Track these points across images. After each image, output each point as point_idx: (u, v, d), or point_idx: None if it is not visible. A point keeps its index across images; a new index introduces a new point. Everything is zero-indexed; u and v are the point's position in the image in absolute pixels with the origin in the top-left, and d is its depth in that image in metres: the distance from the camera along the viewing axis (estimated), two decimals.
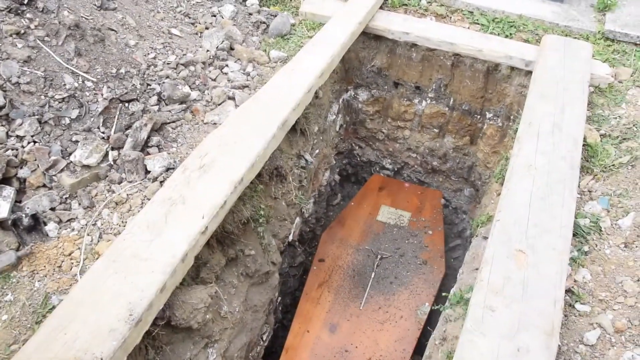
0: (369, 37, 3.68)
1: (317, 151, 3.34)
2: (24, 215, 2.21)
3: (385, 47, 3.74)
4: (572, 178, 2.37)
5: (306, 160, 3.04)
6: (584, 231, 2.24)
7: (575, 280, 2.07)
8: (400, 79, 3.86)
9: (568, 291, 2.02)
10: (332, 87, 3.60)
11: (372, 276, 3.60)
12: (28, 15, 2.64)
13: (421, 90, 3.87)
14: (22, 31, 2.57)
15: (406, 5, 3.91)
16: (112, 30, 2.85)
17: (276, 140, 2.48)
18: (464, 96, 3.77)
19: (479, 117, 3.83)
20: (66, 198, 2.33)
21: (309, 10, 3.65)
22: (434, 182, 4.30)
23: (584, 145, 2.67)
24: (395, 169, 4.36)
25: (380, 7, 3.79)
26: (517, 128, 2.88)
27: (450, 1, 3.91)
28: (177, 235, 1.99)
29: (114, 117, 2.56)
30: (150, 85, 2.75)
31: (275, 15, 3.57)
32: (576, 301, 2.01)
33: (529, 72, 3.36)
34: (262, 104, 2.62)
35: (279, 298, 3.22)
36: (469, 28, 3.74)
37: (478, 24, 3.80)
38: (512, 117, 3.61)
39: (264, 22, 3.50)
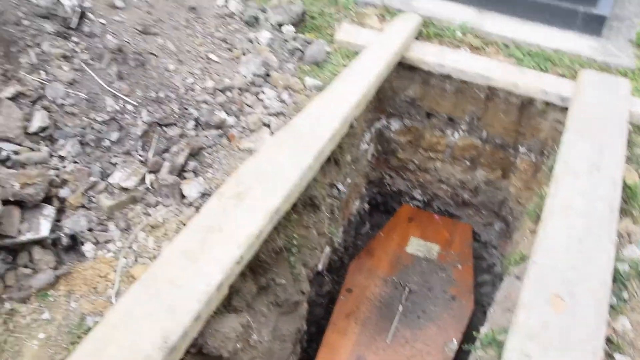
0: (403, 67, 3.70)
1: (349, 180, 3.34)
2: (63, 235, 2.25)
3: (419, 78, 3.75)
4: (610, 221, 2.33)
5: (339, 189, 3.05)
6: (622, 277, 2.20)
7: (614, 329, 2.03)
8: (433, 109, 3.86)
9: (607, 340, 1.97)
10: (365, 115, 3.61)
11: (400, 309, 3.57)
12: (74, 38, 2.71)
13: (454, 121, 3.87)
14: (69, 54, 2.64)
15: (441, 36, 3.91)
16: (153, 54, 2.90)
17: (312, 171, 2.49)
18: (497, 129, 3.75)
19: (512, 151, 3.80)
20: (104, 219, 2.36)
21: (345, 39, 3.68)
22: (464, 215, 4.27)
23: (623, 186, 2.63)
24: (425, 200, 4.34)
25: (415, 38, 3.81)
26: (551, 165, 2.85)
27: (485, 33, 3.91)
28: (213, 263, 2.00)
29: (153, 140, 2.60)
30: (187, 109, 2.79)
31: (311, 43, 3.60)
32: (615, 351, 1.96)
33: (565, 108, 3.33)
34: (297, 133, 2.64)
35: (306, 327, 3.21)
36: (504, 61, 3.73)
37: (513, 57, 3.78)
38: (546, 153, 3.58)
39: (300, 49, 3.54)
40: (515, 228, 3.63)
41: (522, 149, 3.75)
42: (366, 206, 4.19)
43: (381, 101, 3.85)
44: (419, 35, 3.87)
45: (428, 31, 3.88)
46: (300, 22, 3.81)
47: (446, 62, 3.59)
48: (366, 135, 3.74)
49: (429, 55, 3.63)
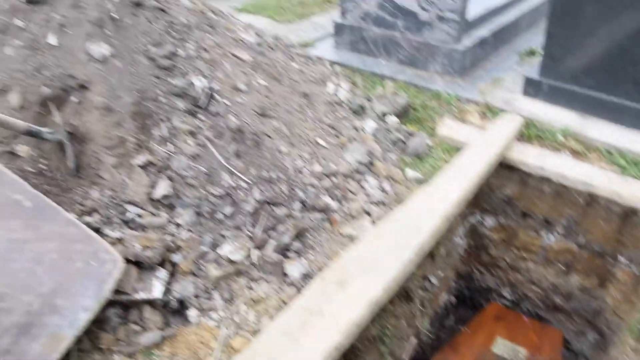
0: (502, 166, 3.73)
1: (440, 273, 3.36)
2: (172, 298, 2.40)
3: (517, 177, 3.76)
4: None
5: (431, 282, 3.07)
6: None
7: None
8: (529, 210, 3.84)
9: None
10: (461, 210, 3.65)
11: None
12: (201, 116, 2.97)
13: (550, 224, 3.82)
14: (195, 131, 2.89)
15: (542, 138, 3.94)
16: (268, 136, 3.12)
17: (412, 265, 2.55)
18: (596, 236, 3.67)
19: (611, 259, 3.68)
20: (209, 288, 2.50)
21: (446, 134, 3.79)
22: (555, 319, 4.12)
23: None
24: (514, 300, 4.24)
25: (516, 138, 3.86)
26: None
27: (588, 139, 3.89)
28: (313, 347, 2.06)
29: (261, 218, 2.76)
30: (295, 191, 2.95)
31: (413, 135, 3.73)
32: None
33: None
34: (399, 226, 2.72)
35: None
36: (606, 168, 3.69)
37: (616, 164, 3.73)
38: None
39: (402, 140, 3.67)
40: (613, 342, 3.47)
41: (622, 259, 3.63)
42: (453, 299, 4.14)
43: (477, 197, 3.88)
44: (520, 136, 3.91)
45: (529, 132, 3.92)
46: (403, 114, 3.98)
47: (547, 165, 3.60)
48: (460, 229, 3.76)
49: (530, 157, 3.66)
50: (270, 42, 3.95)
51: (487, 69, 4.72)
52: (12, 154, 2.89)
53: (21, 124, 2.66)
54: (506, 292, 4.25)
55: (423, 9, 4.45)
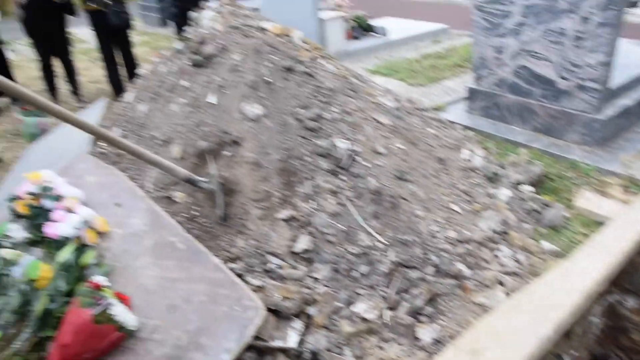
0: None
1: (573, 353, 3.20)
2: (306, 350, 2.52)
3: None
4: None
5: None
6: None
7: None
8: None
9: None
10: (603, 288, 3.48)
11: None
12: (342, 177, 3.14)
13: None
14: (336, 190, 3.07)
15: None
16: (404, 199, 3.22)
17: (550, 342, 2.48)
18: None
19: None
20: (341, 343, 2.59)
21: (585, 207, 3.67)
22: None
23: None
24: None
25: None
26: None
27: None
28: None
29: (395, 279, 2.83)
30: (428, 255, 3.00)
31: (548, 206, 3.66)
32: None
33: None
34: (535, 299, 2.67)
35: None
36: None
37: None
38: None
39: (537, 211, 3.61)
40: None
41: None
42: None
43: (618, 275, 3.68)
44: None
45: None
46: (538, 183, 3.92)
47: None
48: (596, 307, 3.57)
49: None
50: (407, 106, 4.10)
51: (631, 140, 4.54)
52: (170, 199, 3.24)
53: (183, 172, 2.98)
54: None
55: (562, 77, 4.41)
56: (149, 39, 8.47)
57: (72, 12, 5.98)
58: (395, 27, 8.37)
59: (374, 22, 8.33)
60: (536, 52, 4.57)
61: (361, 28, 7.99)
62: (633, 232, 3.31)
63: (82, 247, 2.64)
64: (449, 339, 2.57)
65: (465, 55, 6.72)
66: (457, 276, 2.93)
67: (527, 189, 3.80)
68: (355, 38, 7.90)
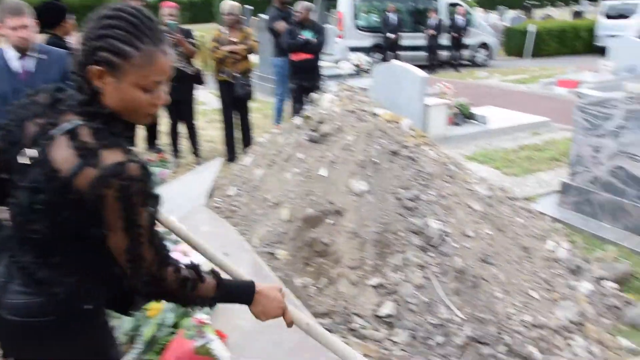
0: None
1: None
2: None
3: None
4: None
5: None
6: None
7: None
8: None
9: None
10: None
11: None
12: (431, 254, 3.49)
13: None
14: (423, 265, 3.41)
15: None
16: (485, 280, 3.49)
17: None
18: None
19: None
20: None
21: None
22: None
23: None
24: None
25: None
26: None
27: None
28: None
29: (467, 352, 3.10)
30: (501, 335, 3.23)
31: (631, 304, 3.76)
32: None
33: None
34: None
35: None
36: None
37: None
38: None
39: (618, 308, 3.72)
40: None
41: None
42: None
43: None
44: None
45: None
46: (623, 281, 4.02)
47: None
48: None
49: None
50: (499, 194, 4.40)
51: None
52: (272, 255, 3.71)
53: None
54: None
55: None
56: (261, 106, 9.35)
57: (200, 81, 6.77)
58: (496, 116, 8.68)
59: (475, 110, 8.69)
60: (634, 155, 4.73)
61: (463, 115, 8.37)
62: None
63: None
64: None
65: (564, 149, 6.87)
66: (528, 358, 3.13)
67: (610, 284, 3.92)
68: (456, 124, 8.28)
